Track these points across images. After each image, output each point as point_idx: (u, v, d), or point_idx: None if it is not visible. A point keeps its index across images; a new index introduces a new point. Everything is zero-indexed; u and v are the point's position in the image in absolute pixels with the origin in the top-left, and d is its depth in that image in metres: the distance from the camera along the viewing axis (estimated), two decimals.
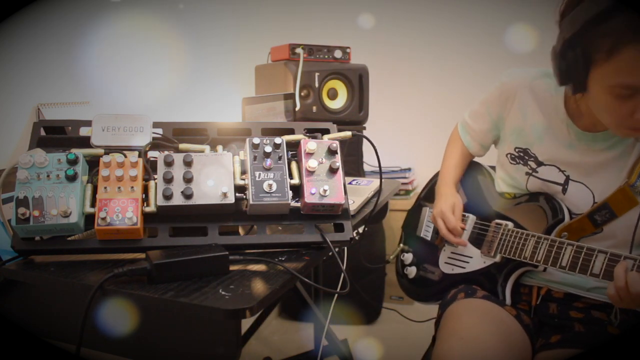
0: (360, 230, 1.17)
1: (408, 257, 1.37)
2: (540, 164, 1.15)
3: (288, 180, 0.96)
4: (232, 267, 0.89)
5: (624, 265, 0.90)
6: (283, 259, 0.94)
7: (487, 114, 1.24)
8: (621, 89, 0.89)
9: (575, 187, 1.10)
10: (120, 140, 0.97)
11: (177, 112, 1.99)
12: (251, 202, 0.93)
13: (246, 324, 2.01)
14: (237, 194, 0.94)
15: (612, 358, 0.96)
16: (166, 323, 0.89)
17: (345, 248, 1.28)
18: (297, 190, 0.98)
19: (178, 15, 2.07)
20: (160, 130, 1.02)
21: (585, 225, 1.07)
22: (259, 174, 0.96)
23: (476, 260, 1.21)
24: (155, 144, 1.00)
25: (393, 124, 2.67)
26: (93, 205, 0.91)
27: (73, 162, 0.91)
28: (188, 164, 0.95)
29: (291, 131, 1.07)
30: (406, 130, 2.69)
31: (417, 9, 2.59)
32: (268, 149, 0.97)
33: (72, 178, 0.90)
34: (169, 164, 0.94)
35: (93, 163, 0.95)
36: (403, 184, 2.52)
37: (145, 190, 0.93)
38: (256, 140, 0.98)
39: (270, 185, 0.94)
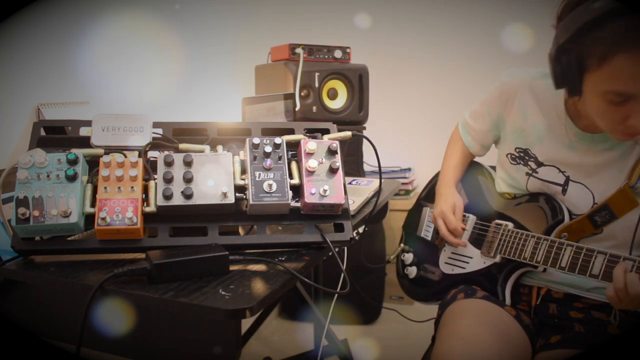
0: (360, 230, 1.17)
1: (408, 257, 1.37)
2: (540, 164, 1.15)
3: (288, 180, 0.96)
4: (232, 267, 0.89)
5: (623, 267, 0.90)
6: (283, 259, 0.94)
7: (487, 114, 1.24)
8: (613, 96, 0.90)
9: (575, 188, 1.10)
10: (120, 140, 0.97)
11: (177, 112, 1.99)
12: (251, 202, 0.93)
13: (246, 324, 2.01)
14: (237, 194, 0.94)
15: (612, 358, 0.96)
16: (166, 323, 0.89)
17: (345, 248, 1.28)
18: (297, 190, 0.98)
19: (178, 16, 2.07)
20: (160, 130, 1.02)
21: (585, 226, 1.07)
22: (259, 174, 0.96)
23: (476, 260, 1.21)
24: (155, 144, 1.00)
25: (393, 124, 2.67)
26: (93, 205, 0.91)
27: (73, 162, 0.91)
28: (188, 164, 0.94)
29: (291, 131, 1.07)
30: (406, 130, 2.69)
31: (417, 9, 2.59)
32: (268, 149, 0.97)
33: (72, 178, 0.90)
34: (169, 164, 0.94)
35: (93, 163, 0.95)
36: (403, 184, 2.52)
37: (145, 190, 0.93)
38: (256, 140, 0.98)
39: (270, 185, 0.94)
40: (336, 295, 1.34)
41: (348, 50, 2.19)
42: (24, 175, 0.88)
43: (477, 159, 1.37)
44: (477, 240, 1.22)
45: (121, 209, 0.89)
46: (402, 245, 1.42)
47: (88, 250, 0.91)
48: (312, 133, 1.06)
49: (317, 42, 2.15)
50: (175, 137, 1.02)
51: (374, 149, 1.09)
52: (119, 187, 0.91)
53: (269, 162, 0.96)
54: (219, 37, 2.34)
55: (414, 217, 1.43)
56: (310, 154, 0.99)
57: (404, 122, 2.70)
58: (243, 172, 0.97)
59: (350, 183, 1.37)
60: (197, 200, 0.92)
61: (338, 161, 0.99)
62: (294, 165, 1.00)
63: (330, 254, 0.98)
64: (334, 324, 2.17)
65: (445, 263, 1.27)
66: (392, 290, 2.46)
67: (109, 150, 0.96)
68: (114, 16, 1.72)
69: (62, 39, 1.53)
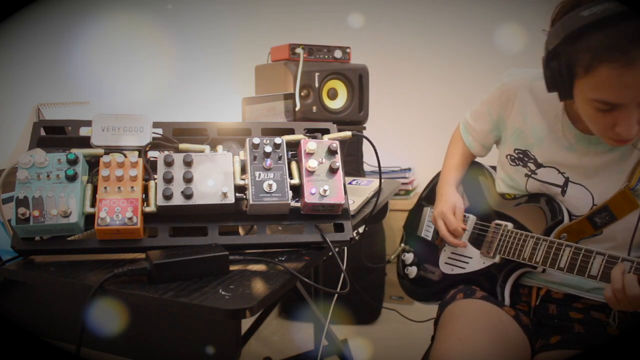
0: (361, 230, 1.17)
1: (409, 257, 1.37)
2: (539, 165, 1.15)
3: (288, 180, 0.96)
4: (232, 267, 0.89)
5: (621, 268, 0.90)
6: (283, 259, 0.94)
7: (487, 114, 1.24)
8: (599, 104, 0.91)
9: (575, 189, 1.10)
10: (120, 140, 0.97)
11: (177, 112, 1.99)
12: (251, 202, 0.93)
13: (246, 324, 2.01)
14: (237, 194, 0.94)
15: (611, 359, 0.96)
16: (166, 323, 0.89)
17: (345, 248, 1.28)
18: (297, 190, 0.98)
19: (178, 16, 2.08)
20: (160, 130, 1.02)
21: (584, 227, 1.07)
22: (259, 174, 0.96)
23: (476, 260, 1.21)
24: (155, 144, 1.00)
25: (393, 124, 2.67)
26: (93, 205, 0.91)
27: (73, 162, 0.91)
28: (188, 164, 0.94)
29: (291, 131, 1.07)
30: (406, 130, 2.69)
31: (417, 9, 2.59)
32: (268, 149, 0.97)
33: (72, 178, 0.90)
34: (169, 164, 0.94)
35: (93, 163, 0.95)
36: (403, 184, 2.52)
37: (145, 190, 0.93)
38: (256, 140, 0.98)
39: (270, 185, 0.94)
40: (336, 295, 1.34)
41: (348, 50, 2.19)
42: (24, 175, 0.88)
43: (477, 159, 1.37)
44: (477, 240, 1.22)
45: (121, 209, 0.89)
46: (402, 245, 1.42)
47: (88, 250, 0.91)
48: (312, 133, 1.06)
49: (317, 42, 2.15)
50: (175, 137, 1.02)
51: (374, 149, 1.09)
52: (119, 187, 0.91)
53: (269, 162, 0.96)
54: (219, 37, 2.34)
55: (414, 217, 1.43)
56: (310, 154, 0.99)
57: (404, 122, 2.70)
58: (243, 172, 0.97)
59: (350, 183, 1.37)
60: (197, 200, 0.92)
61: (338, 161, 0.99)
62: (294, 165, 1.00)
63: (330, 254, 0.98)
64: (334, 324, 2.17)
65: (445, 263, 1.27)
66: (392, 290, 2.46)
67: (109, 150, 0.96)
68: (114, 16, 1.72)
69: (62, 39, 1.53)
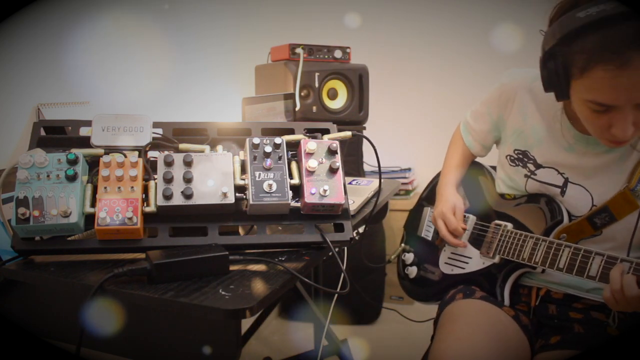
0: (361, 230, 1.17)
1: (409, 257, 1.37)
2: (539, 166, 1.15)
3: (288, 180, 0.96)
4: (232, 267, 0.89)
5: (620, 268, 0.90)
6: (283, 259, 0.94)
7: (487, 114, 1.24)
8: (594, 105, 0.91)
9: (574, 190, 1.10)
10: (120, 140, 0.97)
11: (177, 112, 1.99)
12: (251, 202, 0.93)
13: (246, 324, 2.01)
14: (237, 194, 0.94)
15: (611, 359, 0.96)
16: (166, 323, 0.89)
17: (345, 248, 1.28)
18: (297, 190, 0.98)
19: (178, 16, 2.08)
20: (160, 130, 1.02)
21: (584, 227, 1.07)
22: (259, 174, 0.96)
23: (475, 261, 1.21)
24: (155, 144, 1.00)
25: (393, 124, 2.67)
26: (93, 205, 0.91)
27: (73, 162, 0.91)
28: (188, 164, 0.95)
29: (291, 131, 1.07)
30: (406, 130, 2.69)
31: (417, 9, 2.59)
32: (268, 149, 0.97)
33: (72, 178, 0.90)
34: (169, 164, 0.94)
35: (93, 163, 0.95)
36: (403, 184, 2.52)
37: (145, 190, 0.93)
38: (256, 140, 0.98)
39: (270, 185, 0.94)
40: (336, 295, 1.34)
41: (348, 50, 2.19)
42: (24, 175, 0.88)
43: (477, 159, 1.37)
44: (477, 240, 1.22)
45: (121, 209, 0.89)
46: (403, 245, 1.42)
47: (88, 250, 0.91)
48: (312, 133, 1.06)
49: (317, 42, 2.15)
50: (175, 137, 1.02)
51: (373, 149, 1.09)
52: (119, 187, 0.91)
53: (269, 162, 0.96)
54: (219, 37, 2.34)
55: (415, 217, 1.43)
56: (310, 154, 0.99)
57: (404, 122, 2.70)
58: (243, 172, 0.97)
59: (350, 183, 1.37)
60: (197, 200, 0.92)
61: (338, 161, 0.99)
62: (294, 165, 1.00)
63: (330, 254, 0.98)
64: (334, 324, 2.17)
65: (445, 263, 1.27)
66: (392, 290, 2.46)
67: (109, 150, 0.96)
68: (114, 16, 1.72)
69: (62, 39, 1.53)
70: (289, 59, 2.08)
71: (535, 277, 1.16)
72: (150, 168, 0.95)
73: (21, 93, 1.41)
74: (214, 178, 0.94)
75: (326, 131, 1.08)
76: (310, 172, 0.97)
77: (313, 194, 0.95)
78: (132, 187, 0.91)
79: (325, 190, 0.95)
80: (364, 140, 2.19)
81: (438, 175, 1.40)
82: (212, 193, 0.93)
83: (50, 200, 0.88)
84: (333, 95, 2.15)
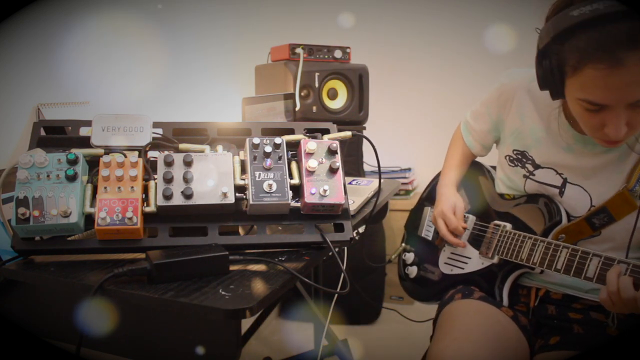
0: (361, 230, 1.17)
1: (410, 257, 1.37)
2: (537, 167, 1.15)
3: (288, 180, 0.96)
4: (232, 267, 0.89)
5: (616, 270, 0.90)
6: (283, 259, 0.94)
7: (487, 114, 1.24)
8: (586, 104, 0.91)
9: (573, 190, 1.10)
10: (120, 140, 0.97)
11: (177, 112, 1.99)
12: (251, 202, 0.93)
13: (246, 324, 2.01)
14: (237, 194, 0.94)
15: (611, 359, 0.96)
16: (166, 323, 0.89)
17: (345, 248, 1.28)
18: (297, 190, 0.98)
19: (179, 16, 2.08)
20: (160, 130, 1.02)
21: (583, 228, 1.07)
22: (259, 174, 0.96)
23: (475, 261, 1.21)
24: (155, 144, 1.00)
25: (393, 124, 2.67)
26: (93, 205, 0.91)
27: (73, 162, 0.91)
28: (188, 164, 0.95)
29: (291, 131, 1.07)
30: (406, 130, 2.69)
31: (417, 9, 2.59)
32: (268, 149, 0.97)
33: (72, 178, 0.90)
34: (169, 164, 0.94)
35: (93, 163, 0.95)
36: (403, 184, 2.52)
37: (145, 190, 0.93)
38: (256, 140, 0.98)
39: (270, 185, 0.94)
40: (336, 295, 1.34)
41: (348, 50, 2.19)
42: (24, 175, 0.88)
43: (477, 159, 1.37)
44: (476, 240, 1.22)
45: (121, 209, 0.89)
46: (403, 244, 1.42)
47: (88, 250, 0.91)
48: (312, 133, 1.06)
49: (317, 42, 2.15)
50: (175, 137, 1.02)
51: (373, 149, 1.09)
52: (119, 187, 0.91)
53: (269, 162, 0.96)
54: (219, 37, 2.34)
55: (415, 216, 1.43)
56: (310, 154, 0.99)
57: (404, 122, 2.70)
58: (243, 172, 0.97)
59: (350, 183, 1.37)
60: (197, 200, 0.92)
61: (338, 161, 0.99)
62: (294, 165, 1.00)
63: (330, 254, 0.98)
64: (334, 324, 2.17)
65: (445, 263, 1.27)
66: (392, 290, 2.46)
67: (109, 150, 0.96)
68: (115, 16, 1.72)
69: (62, 39, 1.53)
70: (289, 59, 2.08)
71: (534, 277, 1.16)
72: (150, 168, 0.96)
73: (21, 93, 1.41)
74: (214, 178, 0.94)
75: (326, 131, 1.08)
76: (310, 172, 0.97)
77: (313, 194, 0.95)
78: (132, 187, 0.91)
79: (325, 190, 0.95)
80: (364, 140, 2.20)
81: (438, 175, 1.40)
82: (212, 193, 0.93)
83: (50, 200, 0.88)
84: (333, 95, 2.15)
